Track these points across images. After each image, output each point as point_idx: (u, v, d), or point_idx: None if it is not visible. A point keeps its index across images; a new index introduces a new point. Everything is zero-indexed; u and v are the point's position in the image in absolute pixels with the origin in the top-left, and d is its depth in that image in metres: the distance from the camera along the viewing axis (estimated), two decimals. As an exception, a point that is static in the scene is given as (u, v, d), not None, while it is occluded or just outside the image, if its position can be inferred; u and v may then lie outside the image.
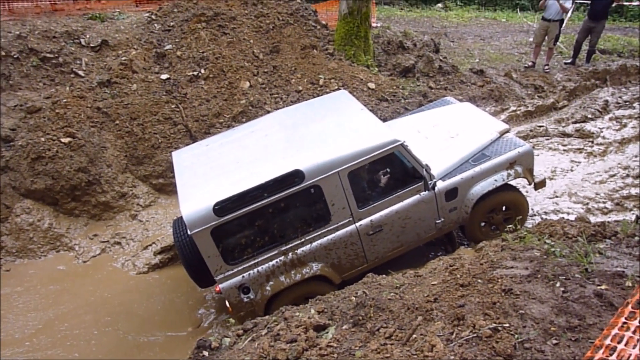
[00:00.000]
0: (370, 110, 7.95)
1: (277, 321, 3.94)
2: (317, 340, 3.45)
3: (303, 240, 4.90)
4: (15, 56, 7.62)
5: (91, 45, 8.21)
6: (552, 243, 3.90)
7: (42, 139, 6.89)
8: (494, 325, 2.90)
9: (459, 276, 3.58)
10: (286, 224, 4.85)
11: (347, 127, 5.16)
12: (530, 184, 5.75)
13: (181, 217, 4.81)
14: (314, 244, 4.93)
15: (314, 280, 5.02)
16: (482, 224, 5.67)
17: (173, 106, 7.75)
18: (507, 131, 5.87)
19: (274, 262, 4.88)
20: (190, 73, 8.06)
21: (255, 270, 4.84)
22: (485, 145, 5.59)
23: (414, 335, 3.08)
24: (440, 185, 5.21)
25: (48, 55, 7.80)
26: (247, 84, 8.09)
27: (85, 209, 6.99)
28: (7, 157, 6.82)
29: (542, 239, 4.07)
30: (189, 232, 4.50)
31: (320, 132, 5.15)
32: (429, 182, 5.08)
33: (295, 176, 4.62)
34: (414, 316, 3.29)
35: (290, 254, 4.90)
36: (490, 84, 9.18)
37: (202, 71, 8.11)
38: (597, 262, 3.48)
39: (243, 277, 4.83)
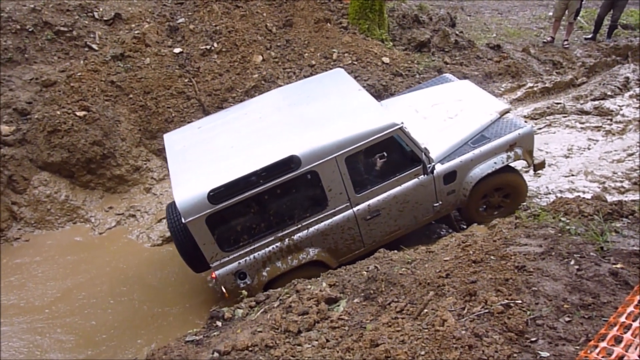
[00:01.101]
0: (384, 85, 7.90)
1: (289, 293, 4.00)
2: (328, 312, 3.51)
3: (300, 226, 4.84)
4: (30, 30, 7.61)
5: (104, 18, 8.17)
6: (567, 221, 3.87)
7: (58, 112, 6.94)
8: (506, 301, 2.91)
9: (471, 252, 3.58)
10: (282, 210, 4.79)
11: (344, 110, 5.03)
12: (529, 166, 5.65)
13: (174, 202, 4.69)
14: (311, 229, 4.87)
15: (311, 265, 4.97)
16: (481, 207, 5.60)
17: (186, 80, 7.73)
18: (508, 111, 5.74)
19: (270, 248, 4.82)
20: (203, 47, 8.00)
21: (252, 256, 4.80)
22: (484, 127, 5.46)
23: (425, 310, 3.10)
24: (439, 168, 5.10)
25: (62, 28, 7.77)
26: (260, 58, 8.02)
27: (100, 182, 7.07)
28: (24, 130, 6.89)
29: (557, 217, 4.05)
30: (183, 221, 4.44)
31: (317, 114, 5.03)
32: (428, 166, 4.98)
33: (292, 162, 4.52)
34: (426, 291, 3.31)
35: (286, 240, 4.85)
36: (507, 60, 8.98)
37: (215, 45, 8.05)
38: (613, 240, 3.45)
39: (239, 263, 4.78)
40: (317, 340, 3.19)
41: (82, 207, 6.86)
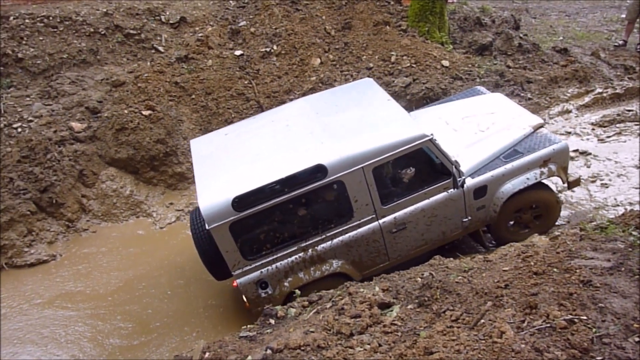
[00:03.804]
0: (443, 88, 7.76)
1: (342, 296, 4.00)
2: (381, 317, 3.48)
3: (324, 236, 4.73)
4: (102, 32, 8.08)
5: (170, 21, 8.54)
6: (639, 235, 3.65)
7: (125, 111, 7.32)
8: (570, 316, 2.77)
9: (532, 264, 3.44)
10: (307, 219, 4.70)
11: (373, 119, 4.91)
12: (564, 183, 5.38)
13: (198, 209, 4.65)
14: (335, 240, 4.76)
15: (334, 277, 4.86)
16: (511, 223, 5.39)
17: (246, 82, 7.93)
18: (542, 126, 5.49)
19: (293, 258, 4.73)
20: (263, 49, 8.18)
21: (274, 266, 4.71)
22: (517, 141, 5.26)
23: (482, 320, 3.02)
24: (469, 182, 4.94)
25: (131, 31, 8.20)
26: (318, 60, 8.10)
27: (162, 179, 7.39)
28: (95, 127, 7.31)
29: (627, 231, 3.82)
30: (206, 227, 4.40)
31: (344, 123, 4.92)
32: (458, 180, 4.80)
33: (318, 171, 4.44)
34: (483, 301, 3.22)
35: (310, 250, 4.75)
36: (574, 64, 8.57)
37: (275, 47, 8.21)
38: (690, 258, 3.21)
39: (261, 272, 4.70)
40: (369, 344, 3.18)
41: (144, 202, 7.18)
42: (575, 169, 6.64)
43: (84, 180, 7.12)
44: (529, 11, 11.68)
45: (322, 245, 4.76)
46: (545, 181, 5.32)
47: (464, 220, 5.10)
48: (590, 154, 6.89)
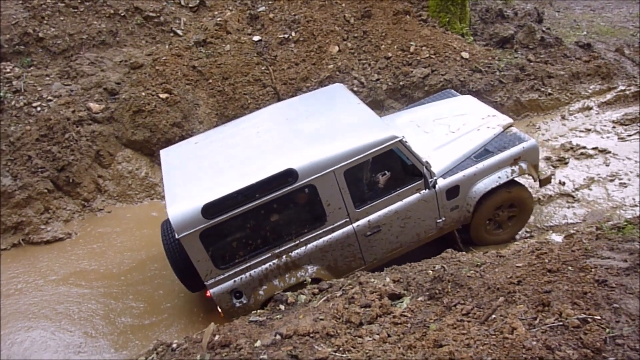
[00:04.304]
0: (462, 81, 7.66)
1: (352, 285, 4.00)
2: (391, 308, 3.48)
3: (297, 242, 4.66)
4: (122, 14, 8.10)
5: (190, 5, 8.52)
6: (657, 237, 3.58)
7: (143, 94, 7.35)
8: (583, 316, 2.74)
9: (547, 261, 3.41)
10: (279, 225, 4.63)
11: (343, 123, 4.87)
12: (535, 181, 5.37)
13: (169, 219, 4.45)
14: (309, 246, 4.69)
15: (310, 284, 4.70)
16: (487, 222, 5.38)
17: (263, 68, 7.91)
18: (511, 125, 5.47)
19: (267, 265, 4.64)
20: (281, 35, 8.14)
21: (248, 274, 4.61)
22: (488, 141, 5.25)
23: (493, 316, 3.00)
24: (441, 183, 4.93)
25: (151, 14, 8.20)
26: (336, 48, 8.03)
27: (177, 162, 7.44)
28: (112, 108, 7.36)
29: (645, 231, 3.75)
30: (176, 236, 4.30)
31: (315, 128, 4.86)
32: (430, 180, 4.79)
33: (289, 175, 4.37)
34: (495, 296, 3.20)
35: (284, 256, 4.67)
36: (597, 60, 8.40)
37: (293, 34, 8.16)
38: None
39: (235, 281, 4.60)
40: (378, 334, 3.18)
41: (159, 185, 7.25)
42: (594, 167, 6.54)
43: (100, 161, 7.20)
44: (552, 4, 11.44)
45: (296, 251, 4.69)
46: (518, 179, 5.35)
47: (438, 221, 5.08)
48: (609, 152, 6.77)
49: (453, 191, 5.02)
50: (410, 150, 4.69)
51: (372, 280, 4.00)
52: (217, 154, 4.88)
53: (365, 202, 4.77)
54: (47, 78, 7.45)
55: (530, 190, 5.58)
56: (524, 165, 5.15)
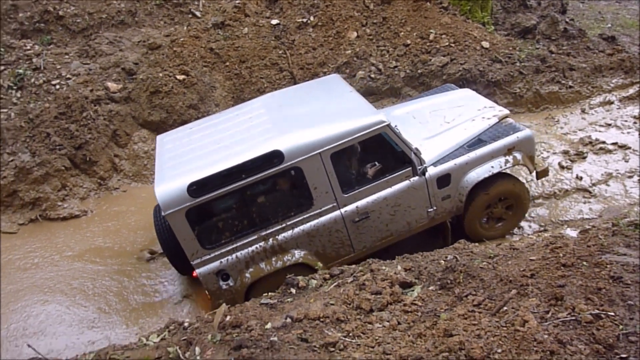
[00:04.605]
0: (481, 70, 7.56)
1: (364, 272, 4.02)
2: (402, 296, 3.49)
3: (284, 225, 4.66)
4: (141, -7, 8.10)
5: (209, -14, 8.48)
6: (675, 235, 3.53)
7: (160, 75, 7.38)
8: (597, 311, 2.72)
9: (561, 255, 3.38)
10: (266, 207, 4.64)
11: (333, 109, 4.88)
12: (531, 173, 5.29)
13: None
14: (296, 229, 4.69)
15: (297, 268, 4.73)
16: (482, 216, 5.33)
17: (280, 52, 7.87)
18: (507, 116, 5.39)
19: (253, 247, 4.65)
20: (300, 20, 8.08)
21: (234, 255, 4.63)
22: (482, 131, 5.19)
23: (505, 308, 2.99)
24: (432, 170, 4.87)
25: (170, -6, 8.20)
26: (355, 34, 7.96)
27: (192, 144, 7.48)
28: (130, 88, 7.40)
29: (664, 229, 3.70)
30: (162, 214, 4.35)
31: (304, 113, 4.90)
32: (419, 167, 4.74)
33: (275, 157, 4.37)
34: (507, 289, 3.18)
35: (270, 239, 4.67)
36: (621, 53, 8.21)
37: (312, 18, 8.10)
38: None
39: (221, 262, 4.62)
40: (388, 321, 3.20)
41: (174, 166, 7.30)
42: (613, 163, 6.44)
43: (117, 140, 7.27)
44: (577, -5, 11.20)
45: (283, 235, 4.69)
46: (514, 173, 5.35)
47: (429, 210, 5.03)
48: (629, 147, 6.65)
49: (444, 180, 4.96)
50: (399, 136, 4.68)
51: (384, 267, 4.00)
52: (208, 138, 4.92)
53: (353, 187, 4.76)
54: (67, 56, 7.51)
55: (527, 185, 5.53)
56: (518, 156, 5.08)
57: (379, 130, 4.58)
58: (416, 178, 4.83)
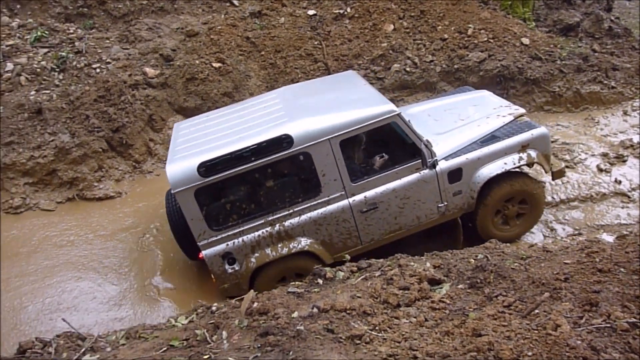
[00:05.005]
0: (520, 67, 7.39)
1: (392, 266, 4.00)
2: (430, 293, 3.46)
3: (291, 211, 4.67)
4: (181, -19, 8.20)
5: (247, -25, 8.51)
6: None
7: (197, 62, 7.47)
8: (634, 320, 2.64)
9: (597, 260, 3.29)
10: (274, 192, 4.64)
11: (345, 99, 4.93)
12: (547, 172, 5.15)
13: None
14: (303, 216, 4.70)
15: (303, 256, 4.79)
16: (495, 216, 5.23)
17: (316, 43, 7.86)
18: (523, 115, 5.26)
19: (260, 232, 4.68)
20: (337, 11, 8.04)
21: (240, 239, 4.66)
22: (496, 128, 5.09)
23: (537, 311, 2.93)
24: (443, 165, 4.81)
25: (209, -18, 8.27)
26: (391, 26, 7.87)
27: (225, 131, 7.57)
28: (167, 74, 7.52)
29: None
30: (172, 192, 4.44)
31: (317, 103, 4.95)
32: (429, 160, 4.68)
33: (284, 141, 4.41)
34: (539, 291, 3.13)
35: (277, 225, 4.69)
36: (669, 54, 7.90)
37: (348, 10, 8.05)
38: None
39: (227, 245, 4.65)
40: (415, 317, 3.18)
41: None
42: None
43: (152, 125, 7.41)
44: (625, -8, 10.77)
45: (289, 221, 4.71)
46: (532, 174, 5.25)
47: (440, 205, 4.96)
48: (672, 154, 6.41)
49: (455, 174, 4.91)
50: (410, 127, 4.67)
51: (412, 264, 3.98)
52: (222, 125, 5.02)
53: (362, 176, 4.75)
54: (107, 41, 7.68)
55: (544, 186, 5.42)
56: (532, 154, 4.98)
57: (389, 119, 4.59)
58: (426, 171, 4.81)
